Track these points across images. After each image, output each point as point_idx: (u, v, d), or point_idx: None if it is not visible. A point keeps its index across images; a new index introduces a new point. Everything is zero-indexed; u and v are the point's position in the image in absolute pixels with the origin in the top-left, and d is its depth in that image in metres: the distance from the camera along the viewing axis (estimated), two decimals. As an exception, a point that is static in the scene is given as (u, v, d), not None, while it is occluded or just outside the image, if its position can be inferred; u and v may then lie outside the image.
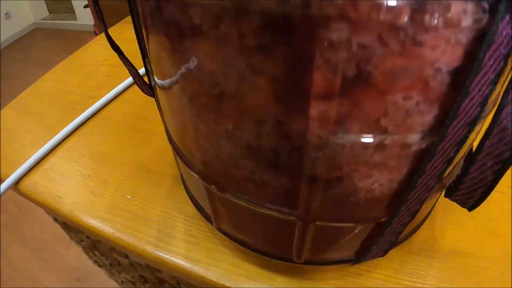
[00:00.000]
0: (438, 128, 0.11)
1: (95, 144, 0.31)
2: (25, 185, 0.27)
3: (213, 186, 0.15)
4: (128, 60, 0.18)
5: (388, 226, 0.14)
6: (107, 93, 0.35)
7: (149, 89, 0.19)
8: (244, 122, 0.11)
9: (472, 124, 0.10)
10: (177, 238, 0.23)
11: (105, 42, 0.47)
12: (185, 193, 0.26)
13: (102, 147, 0.30)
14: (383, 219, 0.14)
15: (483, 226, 0.22)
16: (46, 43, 2.20)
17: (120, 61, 0.42)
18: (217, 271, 0.21)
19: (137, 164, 0.28)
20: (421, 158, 0.12)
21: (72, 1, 2.15)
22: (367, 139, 0.11)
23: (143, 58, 0.17)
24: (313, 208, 0.13)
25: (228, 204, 0.16)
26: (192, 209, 0.25)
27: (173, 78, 0.12)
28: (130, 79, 0.37)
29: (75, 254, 0.93)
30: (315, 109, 0.10)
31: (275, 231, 0.16)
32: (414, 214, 0.14)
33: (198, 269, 0.21)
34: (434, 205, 0.19)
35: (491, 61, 0.09)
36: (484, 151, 0.12)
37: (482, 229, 0.22)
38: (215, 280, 0.21)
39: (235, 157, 0.13)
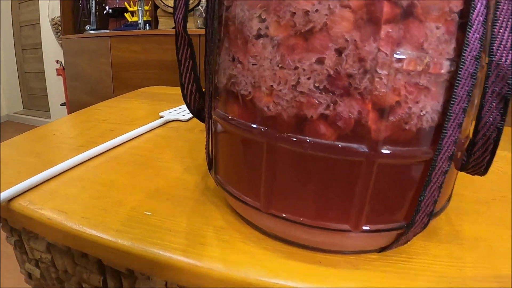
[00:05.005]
0: (458, 59, 0.15)
1: (104, 174, 0.29)
2: (20, 202, 0.24)
3: (280, 134, 0.17)
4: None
5: (434, 167, 0.17)
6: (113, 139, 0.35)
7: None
8: (328, 50, 0.15)
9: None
10: (209, 244, 0.21)
11: (104, 108, 0.49)
12: (211, 210, 0.25)
13: (113, 176, 0.29)
14: (429, 156, 0.17)
15: (493, 220, 0.25)
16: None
17: (122, 120, 0.44)
18: (262, 270, 0.19)
19: (153, 190, 0.27)
20: (451, 89, 0.16)
21: (49, 99, 2.19)
22: (416, 58, 0.15)
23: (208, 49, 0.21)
24: (378, 138, 0.16)
25: (291, 158, 0.17)
26: (221, 222, 0.24)
27: (262, 31, 0.16)
28: (139, 129, 0.38)
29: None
30: (384, 30, 0.14)
31: (338, 183, 0.17)
32: (450, 159, 0.17)
33: (239, 272, 0.19)
34: (452, 190, 0.22)
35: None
36: (488, 93, 0.17)
37: (493, 222, 0.24)
38: (262, 279, 0.19)
39: (313, 93, 0.15)
